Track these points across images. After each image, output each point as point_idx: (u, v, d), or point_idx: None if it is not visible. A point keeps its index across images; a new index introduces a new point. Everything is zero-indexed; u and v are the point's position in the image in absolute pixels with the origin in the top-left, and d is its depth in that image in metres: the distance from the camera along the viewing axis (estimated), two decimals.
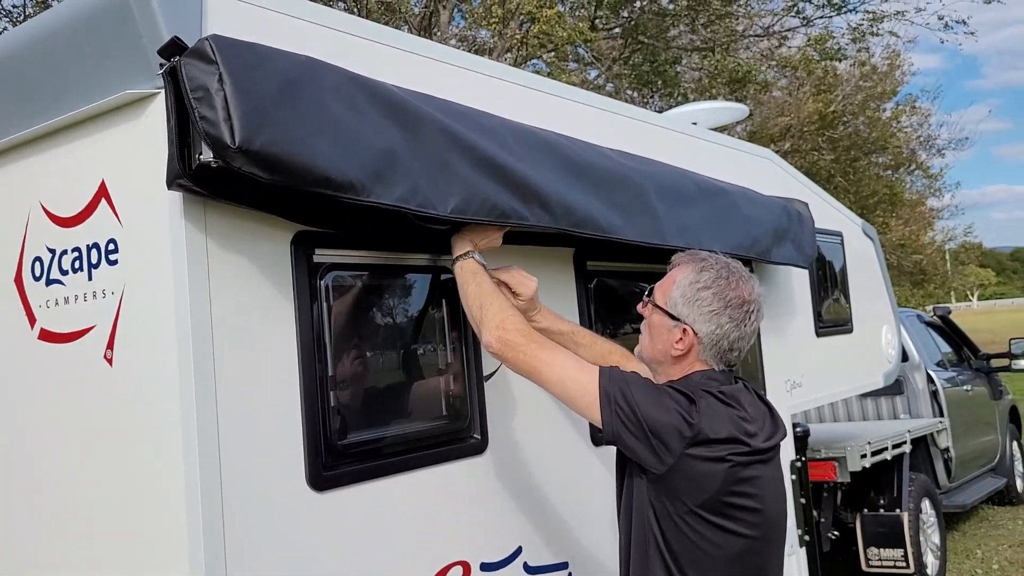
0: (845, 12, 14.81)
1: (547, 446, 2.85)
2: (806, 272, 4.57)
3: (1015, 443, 9.06)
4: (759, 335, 4.08)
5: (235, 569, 1.93)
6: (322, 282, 2.24)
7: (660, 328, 2.18)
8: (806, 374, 4.58)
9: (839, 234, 5.29)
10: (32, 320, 2.24)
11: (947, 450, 7.38)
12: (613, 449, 2.17)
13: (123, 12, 1.95)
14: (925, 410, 7.50)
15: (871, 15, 14.91)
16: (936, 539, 6.42)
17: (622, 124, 3.44)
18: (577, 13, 13.80)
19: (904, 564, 5.79)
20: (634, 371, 2.19)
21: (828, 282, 5.07)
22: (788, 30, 15.83)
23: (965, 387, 8.10)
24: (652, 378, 2.21)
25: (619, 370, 2.13)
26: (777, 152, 6.37)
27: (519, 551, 2.68)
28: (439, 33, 12.26)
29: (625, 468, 2.17)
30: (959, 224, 36.53)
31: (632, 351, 2.43)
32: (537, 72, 12.08)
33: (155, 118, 1.94)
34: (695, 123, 4.30)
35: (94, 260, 2.09)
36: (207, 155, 1.79)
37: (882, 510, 6.03)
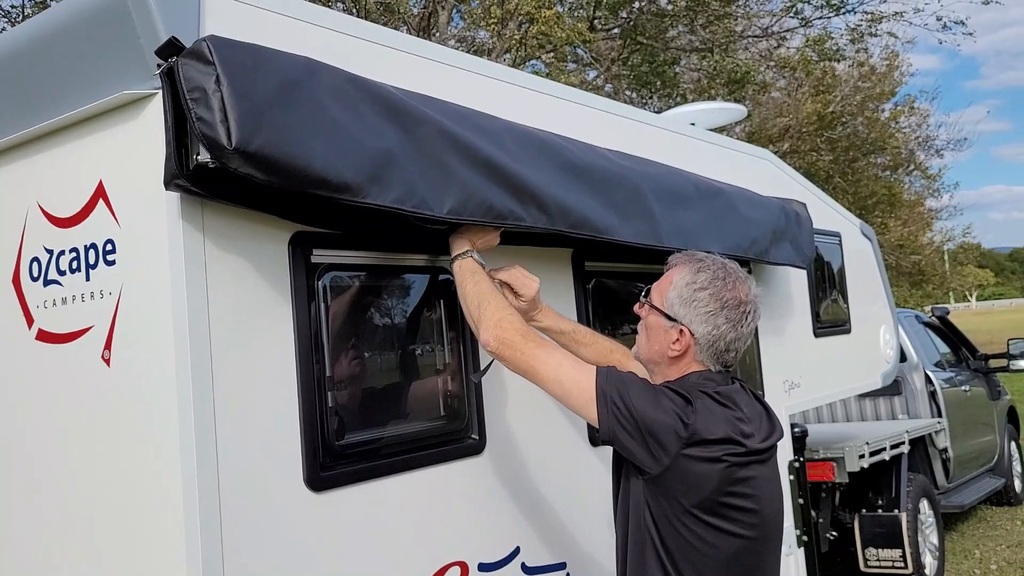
0: (844, 13, 14.83)
1: (545, 446, 2.86)
2: (804, 273, 4.58)
3: (1013, 443, 9.07)
4: (757, 335, 4.09)
5: (232, 569, 1.93)
6: (320, 282, 2.24)
7: (657, 329, 2.18)
8: (804, 375, 4.58)
9: (837, 235, 5.29)
10: (30, 320, 2.24)
11: (945, 450, 7.38)
12: (611, 449, 2.17)
13: (121, 12, 1.95)
14: (923, 410, 7.50)
15: (869, 16, 14.93)
16: (934, 539, 6.42)
17: (620, 125, 3.44)
18: (576, 14, 13.78)
19: (902, 564, 5.79)
20: (632, 371, 2.20)
21: (826, 283, 5.07)
22: (787, 31, 15.83)
23: (963, 387, 8.10)
24: (649, 378, 2.21)
25: (616, 370, 2.13)
26: (776, 153, 6.37)
27: (517, 551, 2.68)
28: (438, 34, 12.26)
29: (622, 468, 2.17)
30: (958, 225, 36.71)
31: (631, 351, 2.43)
32: (536, 73, 12.07)
33: (153, 119, 1.94)
34: (693, 124, 4.31)
35: (92, 260, 2.09)
36: (204, 156, 1.79)
37: (880, 510, 6.03)
